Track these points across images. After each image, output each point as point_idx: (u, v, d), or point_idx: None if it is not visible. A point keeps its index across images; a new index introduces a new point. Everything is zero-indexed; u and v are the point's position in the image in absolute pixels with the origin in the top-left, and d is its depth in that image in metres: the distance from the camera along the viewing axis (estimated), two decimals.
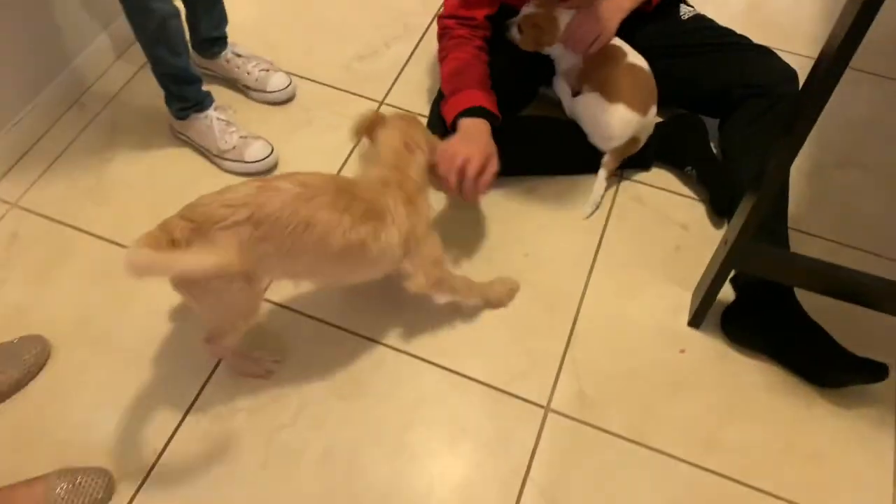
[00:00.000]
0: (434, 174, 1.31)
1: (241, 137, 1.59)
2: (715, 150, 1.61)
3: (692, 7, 1.67)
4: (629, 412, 1.31)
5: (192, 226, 1.04)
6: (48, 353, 1.33)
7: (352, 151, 1.65)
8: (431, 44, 1.87)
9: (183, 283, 1.11)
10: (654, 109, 1.55)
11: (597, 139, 1.56)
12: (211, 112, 1.59)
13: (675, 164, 1.64)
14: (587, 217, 1.56)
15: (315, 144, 1.68)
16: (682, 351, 1.39)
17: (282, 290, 1.42)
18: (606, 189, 1.58)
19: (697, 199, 1.61)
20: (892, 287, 1.22)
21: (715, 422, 1.30)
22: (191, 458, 1.24)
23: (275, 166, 1.62)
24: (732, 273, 1.41)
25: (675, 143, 1.62)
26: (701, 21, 1.65)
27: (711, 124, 1.63)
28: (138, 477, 1.22)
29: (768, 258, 1.26)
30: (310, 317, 1.41)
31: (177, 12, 1.45)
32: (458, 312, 1.41)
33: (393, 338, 1.38)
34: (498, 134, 1.45)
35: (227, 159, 1.59)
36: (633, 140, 1.55)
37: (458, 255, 1.50)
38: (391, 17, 1.96)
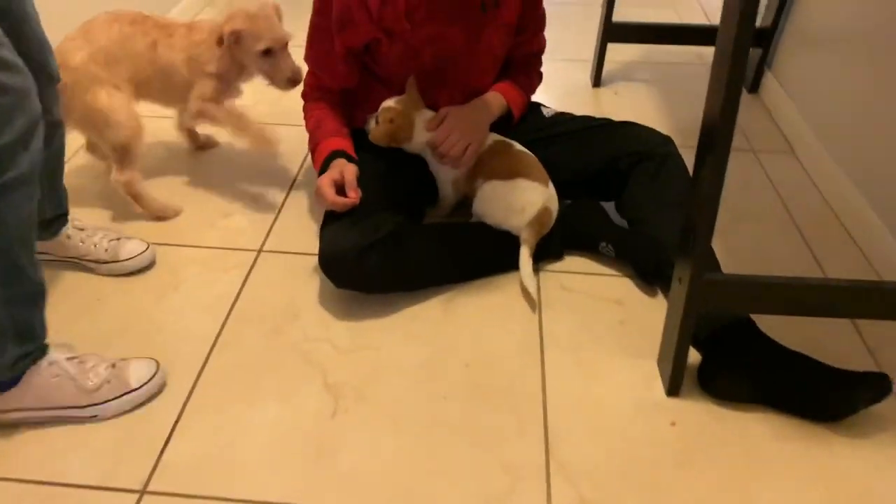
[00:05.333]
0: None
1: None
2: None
3: (551, 108, 1.71)
4: (641, 502, 1.07)
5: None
6: None
7: (237, 297, 1.41)
8: (305, 190, 1.77)
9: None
10: (551, 184, 1.50)
11: (511, 218, 1.46)
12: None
13: (586, 247, 1.56)
14: (533, 291, 1.42)
15: (191, 303, 1.42)
16: (673, 424, 1.19)
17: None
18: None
19: (621, 274, 1.51)
20: (863, 287, 1.14)
21: (740, 486, 1.09)
22: None
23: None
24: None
25: (579, 227, 1.55)
26: (564, 115, 1.68)
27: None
28: None
29: (731, 283, 1.15)
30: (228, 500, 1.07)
31: None
32: (409, 444, 1.14)
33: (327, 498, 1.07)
34: (407, 245, 1.38)
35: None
36: (546, 211, 1.46)
37: (397, 384, 1.25)
38: (259, 171, 1.84)
